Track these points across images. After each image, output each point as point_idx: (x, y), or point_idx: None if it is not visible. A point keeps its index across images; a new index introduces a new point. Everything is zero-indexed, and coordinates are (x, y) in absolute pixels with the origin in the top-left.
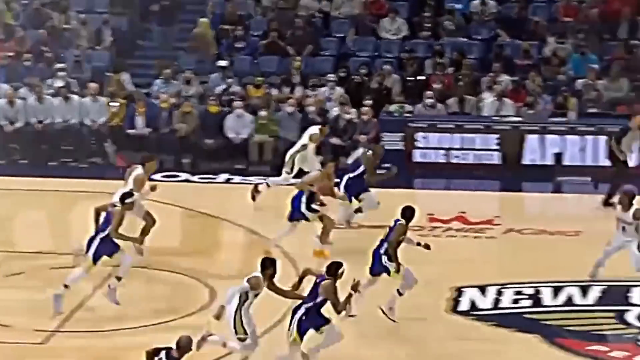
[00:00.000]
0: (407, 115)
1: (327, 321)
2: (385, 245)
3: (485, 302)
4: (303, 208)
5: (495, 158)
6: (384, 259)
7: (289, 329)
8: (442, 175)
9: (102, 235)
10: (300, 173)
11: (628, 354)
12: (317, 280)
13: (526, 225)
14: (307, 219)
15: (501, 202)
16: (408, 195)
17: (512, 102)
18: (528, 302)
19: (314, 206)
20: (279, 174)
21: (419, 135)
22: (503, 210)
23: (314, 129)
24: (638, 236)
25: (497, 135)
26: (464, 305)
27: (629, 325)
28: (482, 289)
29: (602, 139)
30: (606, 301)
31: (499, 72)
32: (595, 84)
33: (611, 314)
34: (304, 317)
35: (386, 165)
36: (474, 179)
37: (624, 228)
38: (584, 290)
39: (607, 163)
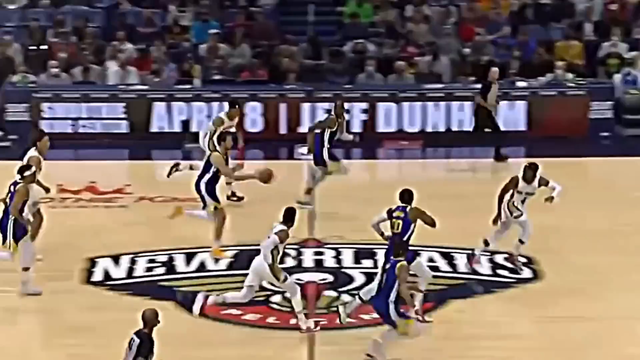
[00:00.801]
0: (32, 85)
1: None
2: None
3: (119, 272)
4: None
5: (123, 127)
6: None
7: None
8: (70, 145)
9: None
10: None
11: (261, 316)
12: (391, 263)
13: (158, 193)
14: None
15: (131, 171)
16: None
17: (136, 70)
18: (162, 270)
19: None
20: None
21: (45, 105)
22: (133, 178)
23: (221, 114)
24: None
25: (123, 104)
26: (98, 276)
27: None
28: (116, 258)
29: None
30: (238, 265)
31: (122, 41)
32: (218, 49)
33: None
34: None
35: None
36: (102, 148)
37: (523, 200)
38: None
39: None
